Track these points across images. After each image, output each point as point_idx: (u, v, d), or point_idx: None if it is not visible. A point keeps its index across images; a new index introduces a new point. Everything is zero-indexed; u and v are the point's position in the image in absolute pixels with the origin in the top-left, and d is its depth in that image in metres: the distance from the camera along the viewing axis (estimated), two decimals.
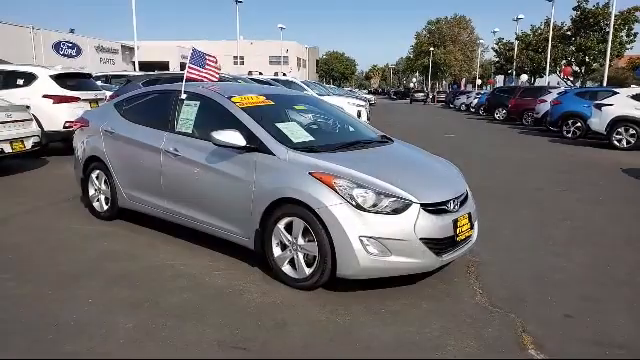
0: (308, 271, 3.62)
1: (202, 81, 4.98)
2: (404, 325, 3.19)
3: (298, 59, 78.82)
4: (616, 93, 13.90)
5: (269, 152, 3.87)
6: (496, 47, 49.64)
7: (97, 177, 5.39)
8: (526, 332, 3.10)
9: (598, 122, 13.64)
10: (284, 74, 37.07)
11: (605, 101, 13.66)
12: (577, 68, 37.89)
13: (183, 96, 4.64)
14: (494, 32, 53.87)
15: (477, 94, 36.12)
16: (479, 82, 53.92)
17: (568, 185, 8.15)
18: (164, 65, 45.26)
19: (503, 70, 48.75)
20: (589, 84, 39.50)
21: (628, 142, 13.13)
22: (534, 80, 44.98)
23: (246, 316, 3.27)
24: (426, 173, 4.11)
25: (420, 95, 57.83)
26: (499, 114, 25.73)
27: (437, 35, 78.18)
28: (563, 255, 4.59)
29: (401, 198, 3.48)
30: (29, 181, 7.61)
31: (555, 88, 21.21)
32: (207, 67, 4.94)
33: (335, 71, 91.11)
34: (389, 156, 4.33)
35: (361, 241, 3.37)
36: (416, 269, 3.57)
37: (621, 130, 13.21)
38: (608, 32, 30.32)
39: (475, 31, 78.80)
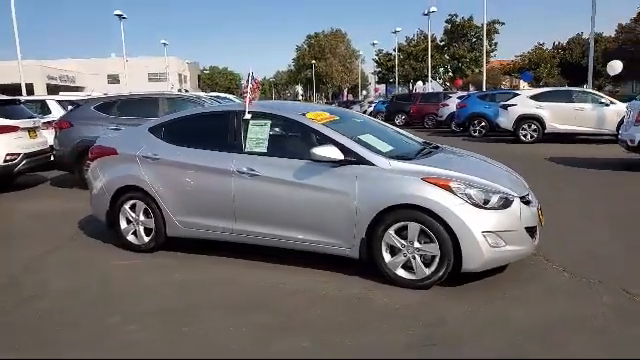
0: (428, 271, 3.87)
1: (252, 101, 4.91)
2: (535, 305, 3.61)
3: (179, 75, 76.49)
4: (517, 95, 15.96)
5: (369, 163, 4.05)
6: (376, 58, 53.15)
7: (132, 208, 5.03)
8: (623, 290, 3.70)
9: (506, 121, 15.54)
10: (183, 89, 35.80)
11: (510, 102, 15.61)
12: (451, 74, 42.12)
13: (248, 116, 4.59)
14: (373, 44, 57.57)
15: (370, 103, 38.36)
16: (365, 92, 57.12)
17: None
18: (28, 88, 40.17)
19: (385, 79, 52.29)
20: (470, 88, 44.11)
21: (532, 136, 15.13)
22: (413, 87, 48.94)
23: (400, 319, 3.43)
24: (497, 172, 4.58)
25: None
26: (399, 119, 27.71)
27: (317, 48, 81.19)
28: (596, 232, 5.38)
29: (505, 193, 3.91)
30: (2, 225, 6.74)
31: (454, 93, 23.47)
32: (254, 87, 4.90)
33: (219, 86, 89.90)
34: (459, 159, 4.74)
35: (484, 236, 3.72)
36: (522, 255, 4.01)
37: (525, 126, 15.18)
38: (475, 42, 34.32)
39: (352, 44, 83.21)
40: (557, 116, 14.66)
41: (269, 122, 4.54)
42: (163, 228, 4.90)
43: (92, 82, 59.45)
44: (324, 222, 4.17)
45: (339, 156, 4.05)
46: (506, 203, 3.87)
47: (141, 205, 4.98)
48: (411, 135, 5.34)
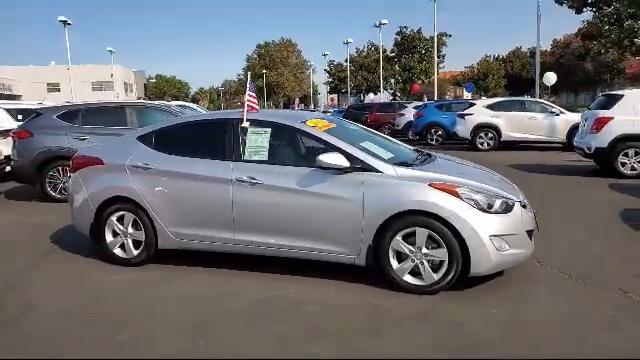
0: (436, 276, 3.92)
1: (254, 109, 4.83)
2: (542, 305, 3.75)
3: (125, 83, 74.17)
4: (474, 104, 16.59)
5: (374, 170, 4.07)
6: (328, 69, 53.75)
7: (120, 220, 4.80)
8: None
9: (463, 129, 16.12)
10: (141, 98, 34.73)
11: (467, 111, 16.20)
12: (402, 85, 43.29)
13: (245, 124, 4.51)
14: (325, 55, 58.23)
15: (325, 112, 38.68)
16: (326, 102, 57.47)
17: None
18: None
19: (337, 90, 52.95)
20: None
21: (488, 144, 15.75)
22: (364, 97, 49.86)
23: (419, 324, 3.46)
24: (493, 178, 4.72)
25: None
26: None
27: (268, 58, 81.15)
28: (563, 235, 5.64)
29: (506, 198, 4.04)
30: None
31: (410, 103, 24.07)
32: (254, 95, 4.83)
33: (167, 94, 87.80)
34: (457, 166, 4.84)
35: (491, 240, 3.83)
36: (523, 258, 4.14)
37: (482, 135, 15.79)
38: (424, 53, 35.50)
39: (302, 54, 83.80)
40: (512, 125, 15.36)
41: (269, 130, 4.47)
42: (154, 240, 4.70)
43: (30, 90, 56.53)
44: (330, 230, 4.15)
45: (345, 163, 4.06)
46: (508, 207, 4.00)
47: (130, 217, 4.76)
48: (401, 143, 5.42)
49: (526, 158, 13.35)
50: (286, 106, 77.41)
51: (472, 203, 3.87)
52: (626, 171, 9.28)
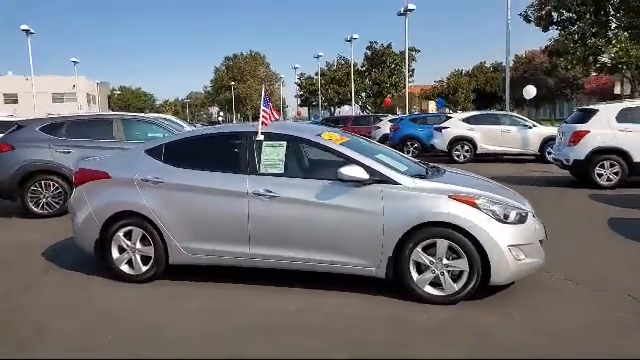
0: (457, 286, 3.98)
1: (270, 121, 4.81)
2: (559, 312, 3.86)
3: (88, 95, 72.32)
4: (450, 118, 17.00)
5: (394, 182, 4.12)
6: (299, 82, 54.03)
7: (127, 235, 4.67)
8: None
9: (440, 142, 16.48)
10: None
11: (444, 124, 16.59)
12: (373, 98, 43.93)
13: (260, 137, 4.49)
14: (295, 68, 58.45)
15: None
16: (293, 113, 57.56)
17: None
18: None
19: (308, 102, 53.23)
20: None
21: (465, 156, 16.15)
22: (334, 110, 50.34)
23: (447, 334, 3.51)
24: (502, 189, 4.83)
25: None
26: None
27: (236, 70, 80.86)
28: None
29: (520, 209, 4.16)
30: None
31: (385, 117, 24.44)
32: (270, 107, 4.82)
33: (132, 107, 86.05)
34: (467, 178, 4.94)
35: (509, 250, 3.93)
36: (537, 267, 4.25)
37: (459, 147, 16.18)
38: (394, 67, 36.19)
39: (271, 66, 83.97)
40: (487, 138, 15.81)
41: (285, 143, 4.47)
42: (164, 256, 4.60)
43: None
44: (349, 242, 4.16)
45: (365, 176, 4.09)
46: (522, 218, 4.12)
47: (138, 232, 4.63)
48: (407, 156, 5.52)
49: (502, 170, 13.74)
50: (255, 119, 77.01)
51: (490, 214, 3.97)
52: (602, 182, 9.68)
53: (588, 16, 20.78)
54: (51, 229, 7.04)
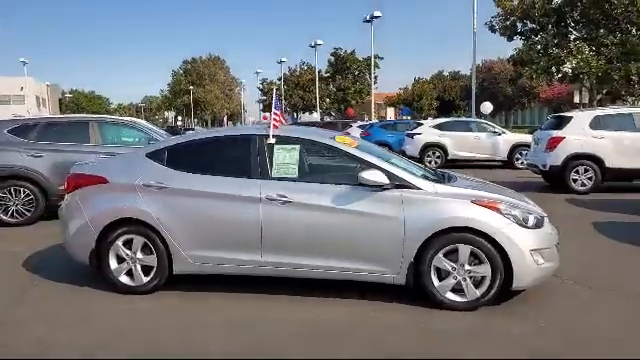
0: (479, 292, 3.93)
1: (279, 125, 4.63)
2: (580, 315, 3.88)
3: (37, 98, 69.12)
4: (421, 124, 17.22)
5: (414, 187, 4.04)
6: (261, 87, 53.64)
7: (126, 244, 4.37)
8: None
9: (412, 148, 16.64)
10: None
11: (416, 131, 16.78)
12: (337, 104, 44.15)
13: (272, 140, 4.31)
14: (257, 73, 57.86)
15: None
16: (252, 119, 56.94)
17: None
18: None
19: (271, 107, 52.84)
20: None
21: (436, 162, 16.36)
22: (297, 116, 50.24)
23: (479, 341, 3.45)
24: (514, 194, 4.83)
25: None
26: None
27: (194, 74, 79.49)
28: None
29: (537, 213, 4.17)
30: None
31: (355, 122, 24.51)
32: (281, 110, 4.65)
33: (86, 110, 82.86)
34: (480, 183, 4.89)
35: (531, 254, 3.92)
36: (553, 271, 4.26)
37: (430, 153, 16.41)
38: (358, 74, 36.54)
39: (231, 71, 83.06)
40: (458, 144, 16.11)
41: (298, 147, 4.31)
42: (168, 265, 4.33)
43: None
44: (368, 249, 4.04)
45: (385, 180, 3.99)
46: (539, 222, 4.12)
47: (139, 240, 4.34)
48: (413, 161, 5.47)
49: (475, 175, 13.98)
50: (213, 123, 76.08)
51: (512, 219, 3.95)
52: (577, 187, 9.99)
53: (550, 27, 21.69)
54: (23, 238, 6.60)
